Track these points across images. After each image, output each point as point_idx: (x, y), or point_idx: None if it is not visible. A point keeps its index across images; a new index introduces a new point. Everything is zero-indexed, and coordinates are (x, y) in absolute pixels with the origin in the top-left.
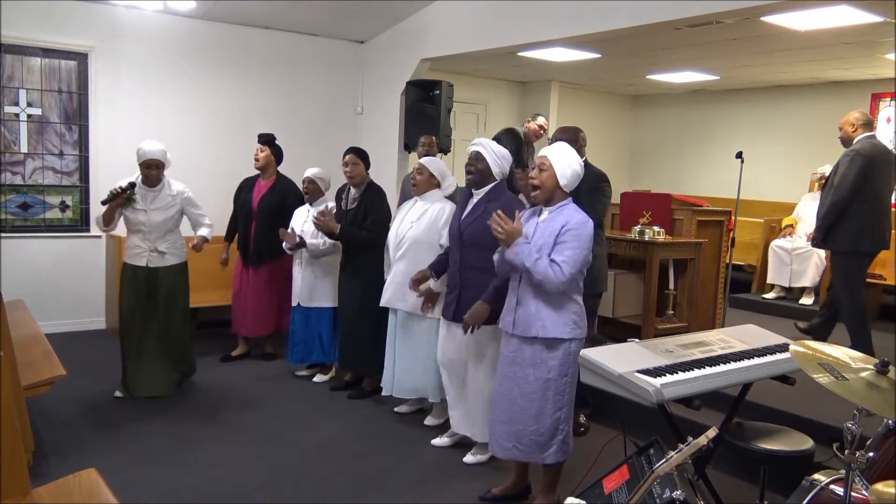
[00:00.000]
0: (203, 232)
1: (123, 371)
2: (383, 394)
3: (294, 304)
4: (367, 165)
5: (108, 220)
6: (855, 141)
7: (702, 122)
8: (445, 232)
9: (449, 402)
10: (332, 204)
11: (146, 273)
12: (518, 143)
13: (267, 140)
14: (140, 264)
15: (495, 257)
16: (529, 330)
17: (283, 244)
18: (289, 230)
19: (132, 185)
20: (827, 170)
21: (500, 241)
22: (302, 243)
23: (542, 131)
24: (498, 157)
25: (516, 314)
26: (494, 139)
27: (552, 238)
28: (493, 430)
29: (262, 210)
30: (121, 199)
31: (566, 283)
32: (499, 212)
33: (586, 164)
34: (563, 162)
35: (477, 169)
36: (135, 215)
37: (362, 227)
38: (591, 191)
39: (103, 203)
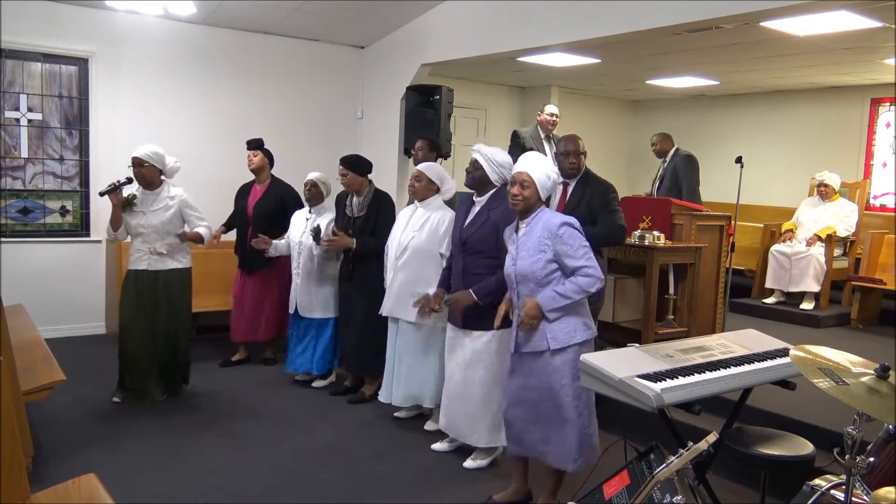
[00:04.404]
0: (199, 229)
1: (120, 376)
2: (381, 400)
3: (291, 311)
4: (362, 172)
5: (115, 223)
6: (678, 150)
7: (701, 127)
8: (447, 241)
9: (444, 407)
10: (332, 215)
11: (147, 277)
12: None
13: (257, 145)
14: (141, 268)
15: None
16: (539, 345)
17: (270, 251)
18: (286, 235)
19: (130, 180)
20: (826, 175)
21: (532, 323)
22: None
23: (555, 119)
24: (495, 165)
25: (519, 333)
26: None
27: (539, 247)
28: (512, 439)
29: (256, 216)
30: (119, 194)
31: (599, 274)
32: (522, 317)
33: (590, 175)
34: (543, 175)
35: (474, 174)
36: (135, 219)
37: (373, 233)
38: (606, 204)
39: (101, 194)
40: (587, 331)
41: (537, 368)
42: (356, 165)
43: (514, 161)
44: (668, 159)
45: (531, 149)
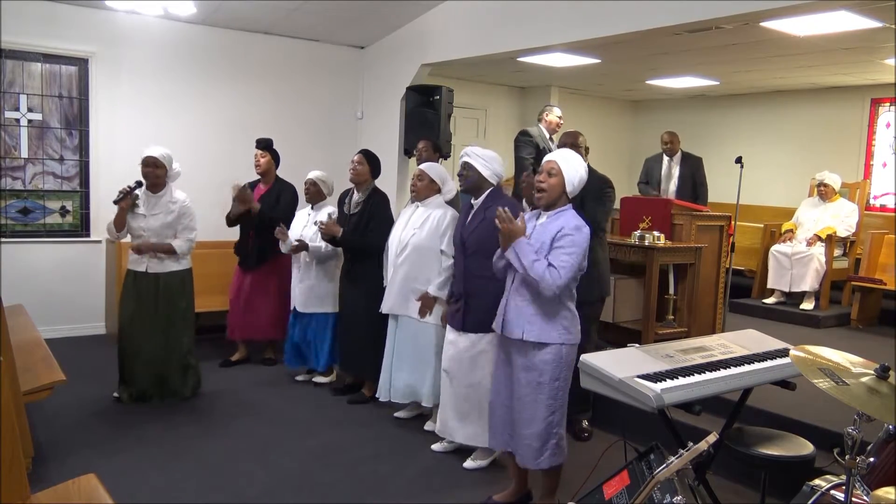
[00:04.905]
0: (175, 241)
1: (120, 375)
2: (379, 399)
3: (291, 308)
4: (374, 170)
5: (119, 225)
6: (682, 151)
7: (702, 128)
8: (447, 237)
9: (443, 408)
10: (333, 209)
11: (146, 279)
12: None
13: (266, 145)
14: (140, 269)
15: (496, 261)
16: (515, 331)
17: (280, 245)
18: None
19: (139, 184)
20: (826, 175)
21: (501, 239)
22: (304, 245)
23: (561, 122)
24: (486, 161)
25: (506, 315)
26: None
27: (549, 241)
28: (496, 431)
29: (260, 214)
30: (130, 199)
31: (562, 287)
32: (505, 208)
33: (590, 170)
34: (572, 168)
35: (468, 177)
36: (135, 221)
37: (365, 231)
38: (598, 197)
39: (115, 202)
40: (566, 334)
41: (519, 362)
42: (373, 160)
43: (523, 159)
44: (676, 160)
45: (542, 148)
